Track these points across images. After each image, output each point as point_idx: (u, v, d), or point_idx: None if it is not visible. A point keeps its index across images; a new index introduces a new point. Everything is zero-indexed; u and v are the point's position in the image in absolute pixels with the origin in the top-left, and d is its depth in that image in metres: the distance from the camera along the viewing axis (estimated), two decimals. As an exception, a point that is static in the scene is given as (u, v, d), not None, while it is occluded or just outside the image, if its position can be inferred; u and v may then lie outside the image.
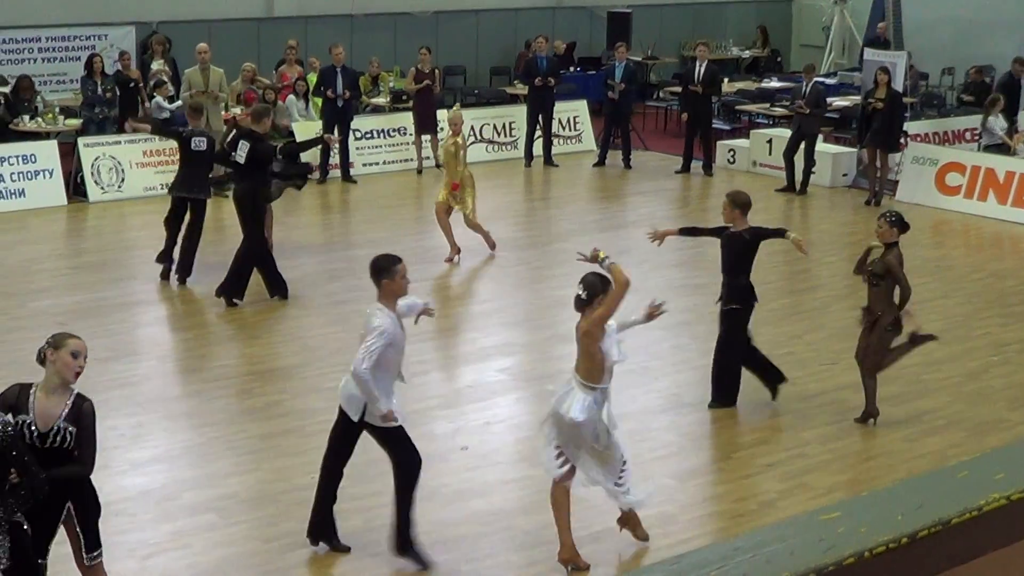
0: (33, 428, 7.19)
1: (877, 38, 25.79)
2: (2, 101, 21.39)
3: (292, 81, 22.26)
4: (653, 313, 9.66)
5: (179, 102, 20.73)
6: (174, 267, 15.58)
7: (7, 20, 23.07)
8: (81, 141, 20.12)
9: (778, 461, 10.97)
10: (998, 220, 19.80)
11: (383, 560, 9.08)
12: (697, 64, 22.71)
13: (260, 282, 14.95)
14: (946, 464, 8.88)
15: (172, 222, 15.65)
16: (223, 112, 20.29)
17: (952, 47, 28.07)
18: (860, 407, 11.70)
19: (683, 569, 2.20)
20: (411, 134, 22.27)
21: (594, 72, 27.13)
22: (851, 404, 11.83)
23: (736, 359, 11.80)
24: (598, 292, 8.81)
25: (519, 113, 23.83)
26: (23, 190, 19.25)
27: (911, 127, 22.27)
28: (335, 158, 21.31)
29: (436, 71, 22.96)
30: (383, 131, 22.43)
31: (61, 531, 7.55)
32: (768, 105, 25.17)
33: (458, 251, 16.73)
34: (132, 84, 21.82)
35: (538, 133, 23.12)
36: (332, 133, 20.72)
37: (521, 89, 25.16)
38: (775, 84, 27.23)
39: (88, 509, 7.54)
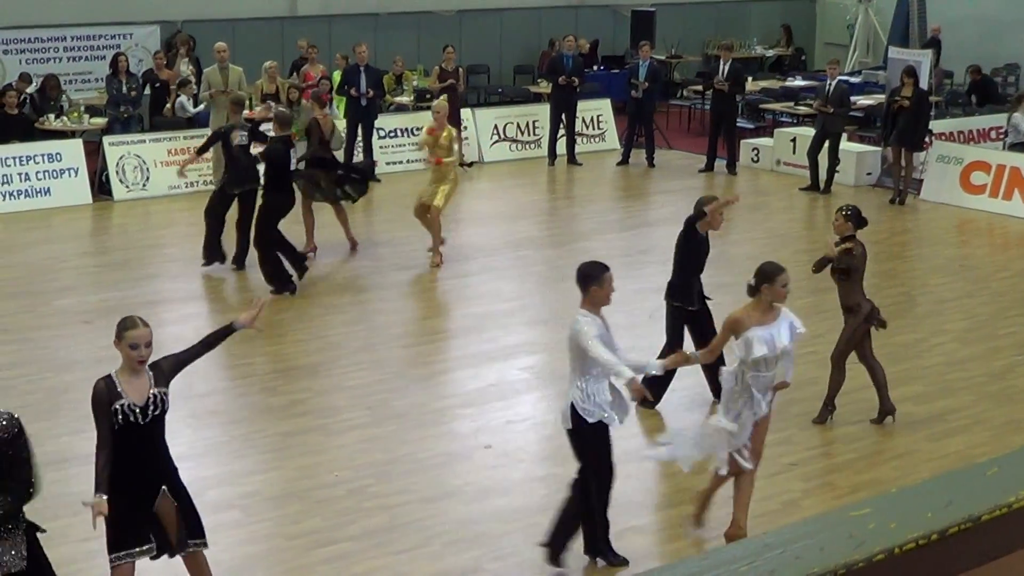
0: (134, 407, 7.37)
1: (933, 39, 25.84)
2: (28, 100, 21.47)
3: (316, 80, 22.28)
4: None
5: (202, 105, 20.81)
6: (231, 255, 15.98)
7: (33, 19, 23.18)
8: (106, 140, 20.20)
9: (801, 460, 10.94)
10: (1023, 219, 19.71)
11: (407, 558, 9.09)
12: (721, 63, 22.67)
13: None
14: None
15: (214, 214, 15.92)
16: (246, 111, 20.28)
17: (977, 45, 27.96)
18: (885, 406, 11.70)
19: (713, 564, 2.20)
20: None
21: (617, 71, 27.13)
22: (875, 404, 11.79)
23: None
24: (764, 281, 9.03)
25: (543, 112, 23.82)
26: (48, 189, 19.34)
27: (936, 126, 22.19)
28: (358, 156, 21.32)
29: (460, 70, 22.98)
30: (407, 130, 22.44)
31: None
32: (792, 104, 25.11)
33: (443, 242, 16.75)
34: (158, 84, 21.89)
35: (561, 132, 23.11)
36: (356, 132, 20.82)
37: (545, 88, 25.16)
38: (799, 83, 27.18)
39: (181, 489, 7.69)
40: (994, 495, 2.49)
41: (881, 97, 23.85)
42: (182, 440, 10.90)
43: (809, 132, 21.91)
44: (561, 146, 23.15)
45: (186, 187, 20.03)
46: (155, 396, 7.46)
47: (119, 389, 7.39)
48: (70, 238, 18.21)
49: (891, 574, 2.32)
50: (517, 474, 10.59)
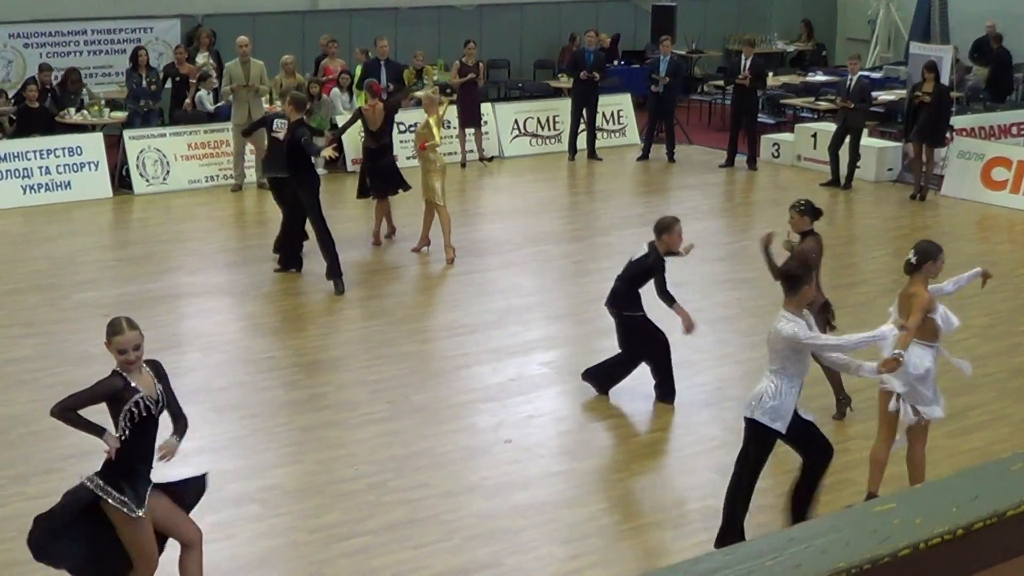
0: (148, 401, 7.44)
1: (984, 38, 25.86)
2: (49, 94, 21.53)
3: (336, 75, 22.32)
4: None
5: (222, 101, 20.83)
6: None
7: (54, 13, 23.26)
8: (127, 133, 20.24)
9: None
10: (1045, 215, 19.65)
11: (426, 552, 9.10)
12: (743, 58, 22.63)
13: (315, 272, 15.16)
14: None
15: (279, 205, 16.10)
16: (267, 105, 20.34)
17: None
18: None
19: (738, 559, 2.19)
20: (455, 127, 22.28)
21: (638, 66, 27.09)
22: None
23: None
24: (927, 259, 9.22)
25: (563, 107, 23.81)
26: (69, 182, 19.39)
27: (957, 121, 22.12)
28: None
29: (480, 64, 22.98)
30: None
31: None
32: (813, 99, 25.07)
33: (428, 243, 16.77)
34: (178, 78, 21.93)
35: (582, 127, 23.09)
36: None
37: (565, 83, 25.14)
38: (820, 78, 27.11)
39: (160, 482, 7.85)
40: (1019, 490, 2.48)
41: (902, 92, 23.79)
42: (202, 434, 10.92)
43: (830, 128, 21.86)
44: (581, 141, 23.13)
45: (206, 181, 20.06)
46: (160, 391, 7.55)
47: (133, 385, 7.42)
48: (90, 232, 18.26)
49: (916, 569, 2.32)
50: (537, 469, 10.58)
